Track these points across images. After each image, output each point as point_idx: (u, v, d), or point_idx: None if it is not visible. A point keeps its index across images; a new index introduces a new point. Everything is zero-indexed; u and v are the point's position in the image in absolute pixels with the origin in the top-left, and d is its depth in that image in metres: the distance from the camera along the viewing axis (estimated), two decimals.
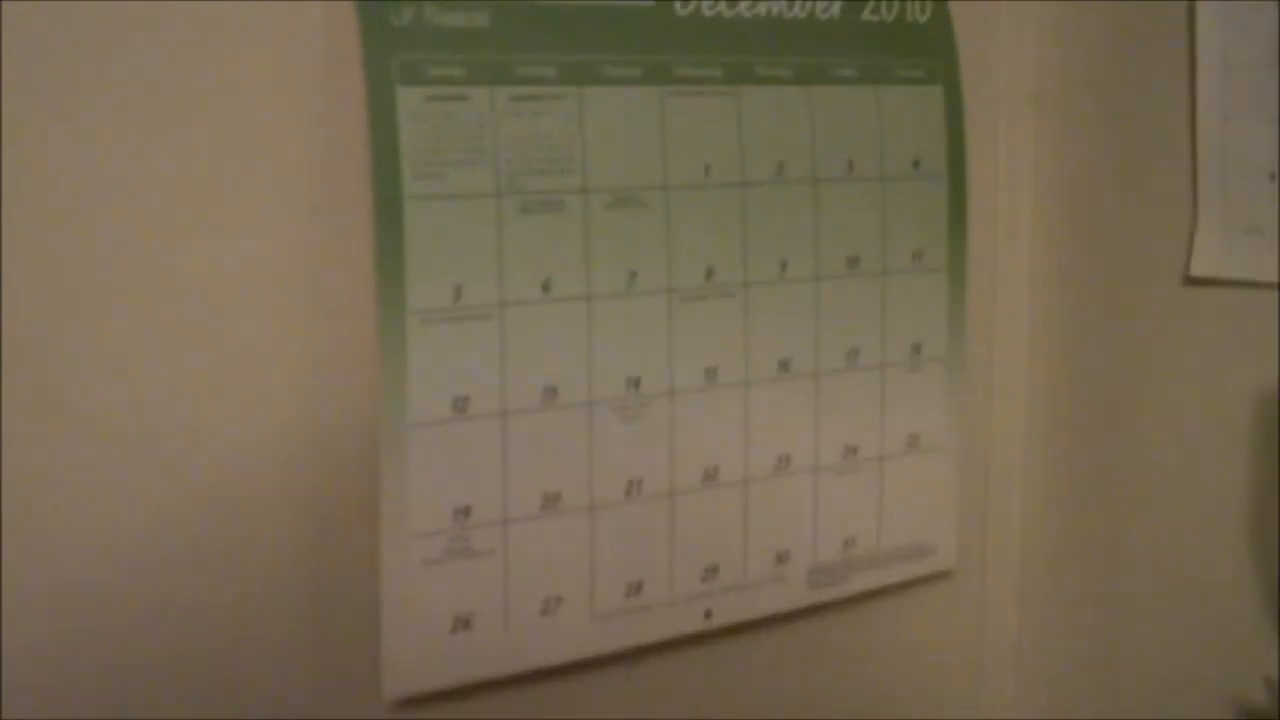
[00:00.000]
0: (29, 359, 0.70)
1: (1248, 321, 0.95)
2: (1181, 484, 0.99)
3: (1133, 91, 1.00)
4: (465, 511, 0.80)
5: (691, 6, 0.86)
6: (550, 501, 0.83)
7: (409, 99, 0.77)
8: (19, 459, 0.71)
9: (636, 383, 0.85)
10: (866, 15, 0.94)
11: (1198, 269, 0.96)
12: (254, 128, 0.75)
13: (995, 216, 1.03)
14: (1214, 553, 0.97)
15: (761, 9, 0.89)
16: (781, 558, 0.93)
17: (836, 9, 0.92)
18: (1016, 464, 1.08)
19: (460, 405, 0.79)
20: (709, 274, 0.88)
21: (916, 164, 0.96)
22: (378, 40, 0.76)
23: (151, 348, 0.74)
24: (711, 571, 0.90)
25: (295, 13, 0.76)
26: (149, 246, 0.73)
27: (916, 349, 0.97)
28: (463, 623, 0.80)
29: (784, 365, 0.91)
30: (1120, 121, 1.01)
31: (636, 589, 0.87)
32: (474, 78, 0.79)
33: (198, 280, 0.75)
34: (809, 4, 0.91)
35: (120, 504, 0.73)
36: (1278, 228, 0.93)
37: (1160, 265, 0.99)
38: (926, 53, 0.96)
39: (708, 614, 0.90)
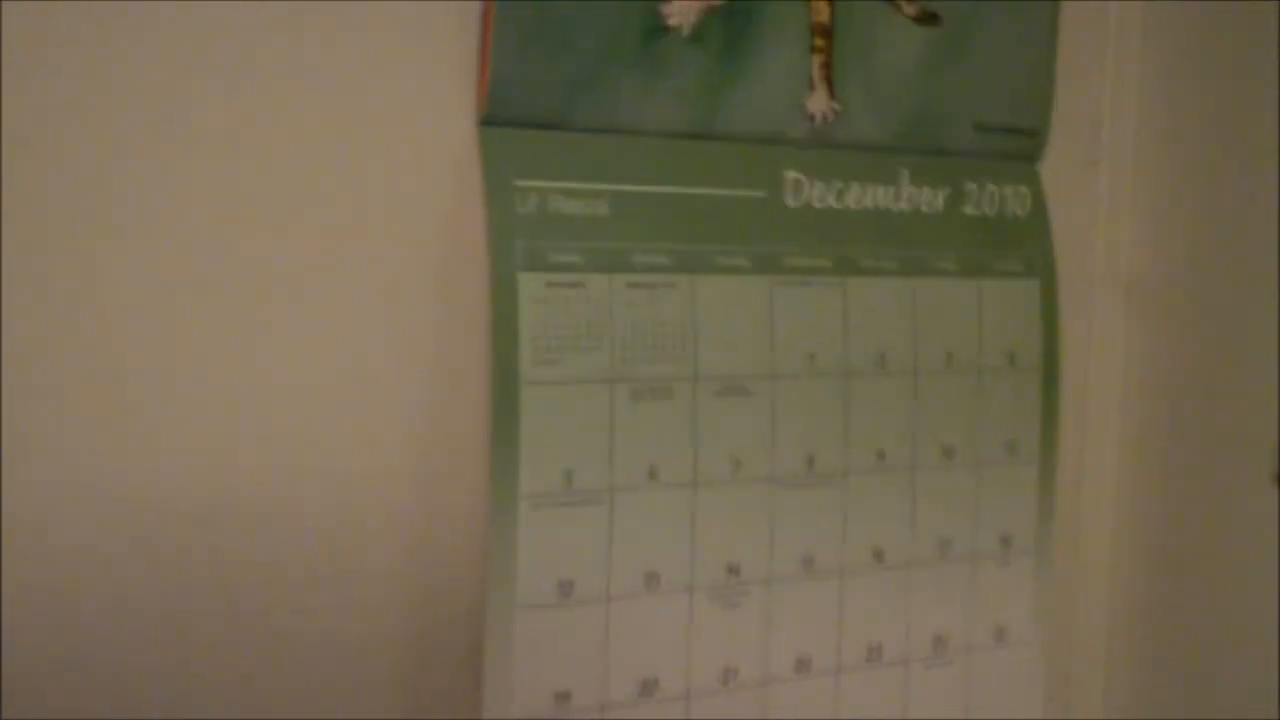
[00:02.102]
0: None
1: None
2: (1262, 682, 0.98)
3: (1226, 285, 1.00)
4: (566, 696, 0.80)
5: (802, 198, 0.88)
6: (648, 689, 0.83)
7: (530, 284, 0.78)
8: None
9: (736, 570, 0.85)
10: (968, 209, 0.95)
11: None
12: (381, 301, 0.76)
13: (1085, 409, 1.04)
14: None
15: (868, 201, 0.91)
16: None
17: (940, 202, 0.94)
18: (1099, 658, 1.07)
19: (565, 589, 0.79)
20: (809, 463, 0.88)
21: (1012, 357, 0.97)
22: (503, 226, 0.77)
23: (267, 518, 0.74)
24: None
25: (423, 198, 0.77)
26: (273, 433, 0.74)
27: (1006, 541, 0.97)
28: None
29: (878, 555, 0.91)
30: (1213, 315, 1.01)
31: None
32: (592, 265, 0.80)
33: (314, 456, 0.75)
34: (914, 197, 0.92)
35: (231, 637, 0.73)
36: None
37: (1250, 462, 0.99)
38: (1024, 246, 0.98)
39: None
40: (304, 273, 0.74)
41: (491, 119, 0.78)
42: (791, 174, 0.88)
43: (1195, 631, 1.02)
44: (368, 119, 0.75)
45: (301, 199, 0.74)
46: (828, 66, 0.88)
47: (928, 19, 0.92)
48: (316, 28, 0.73)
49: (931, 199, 0.93)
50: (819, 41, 0.87)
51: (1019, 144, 0.98)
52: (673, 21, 0.82)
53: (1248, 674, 1.00)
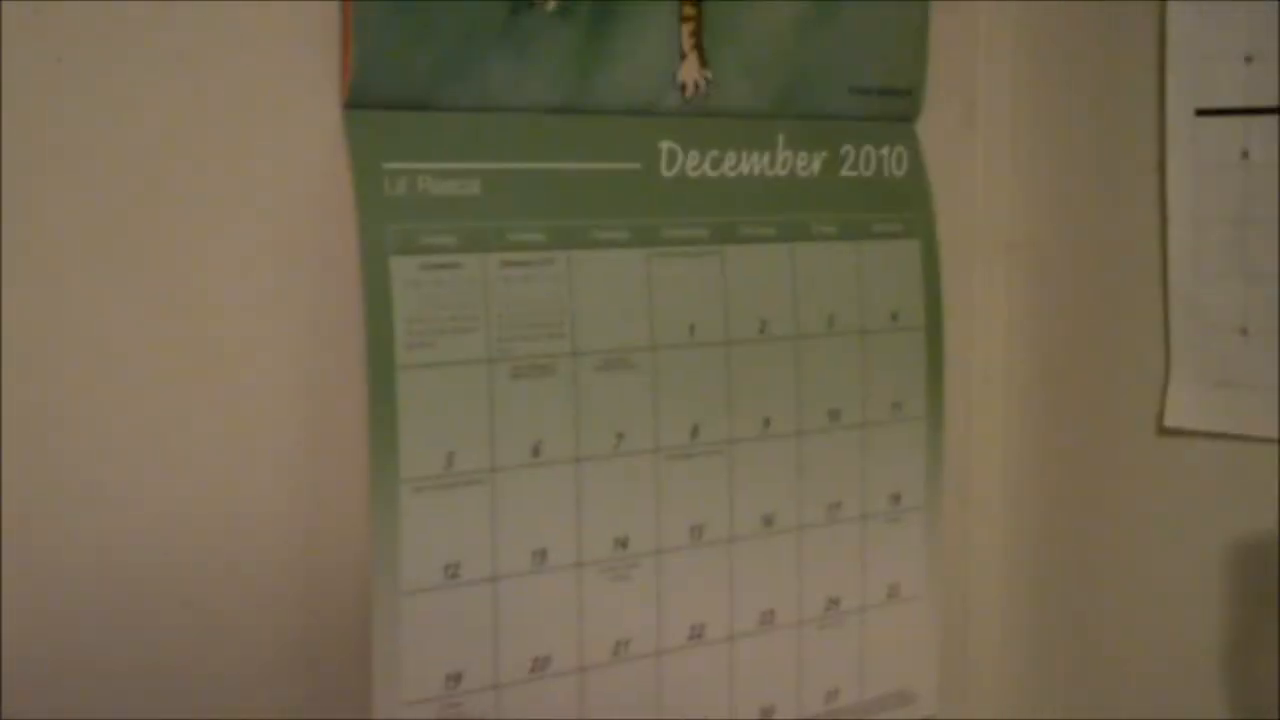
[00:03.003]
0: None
1: (1220, 472, 0.96)
2: (1155, 631, 1.00)
3: (1106, 244, 1.02)
4: (457, 678, 0.80)
5: (677, 168, 0.88)
6: (541, 665, 0.83)
7: (403, 268, 0.78)
8: None
9: (625, 542, 0.86)
10: (845, 171, 0.96)
11: (1171, 420, 0.98)
12: (251, 292, 0.76)
13: (970, 366, 1.05)
14: (1189, 701, 0.98)
15: (744, 169, 0.91)
16: (766, 712, 0.93)
17: (817, 166, 0.94)
18: (993, 610, 1.08)
19: (452, 571, 0.79)
20: (694, 432, 0.88)
21: (895, 316, 0.98)
22: (372, 209, 0.77)
23: (144, 506, 0.73)
24: None
25: (290, 182, 0.76)
26: (142, 411, 0.73)
27: (896, 499, 0.98)
28: None
29: (767, 520, 0.92)
30: (1094, 273, 1.03)
31: None
32: (466, 245, 0.80)
33: (188, 450, 0.74)
34: (790, 162, 0.93)
35: (119, 637, 0.73)
36: (1248, 381, 0.94)
37: (1134, 415, 1.00)
38: (904, 207, 0.98)
39: None
40: (170, 262, 0.73)
41: (357, 102, 0.77)
42: (666, 145, 0.88)
43: (1086, 580, 1.04)
44: (232, 106, 0.74)
45: (166, 188, 0.73)
46: (698, 35, 0.88)
47: None
48: (178, 14, 0.72)
49: (808, 163, 0.94)
50: (688, 10, 0.87)
51: (895, 105, 0.98)
52: None
53: (1138, 620, 1.02)
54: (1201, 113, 0.96)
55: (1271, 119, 0.93)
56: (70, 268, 0.71)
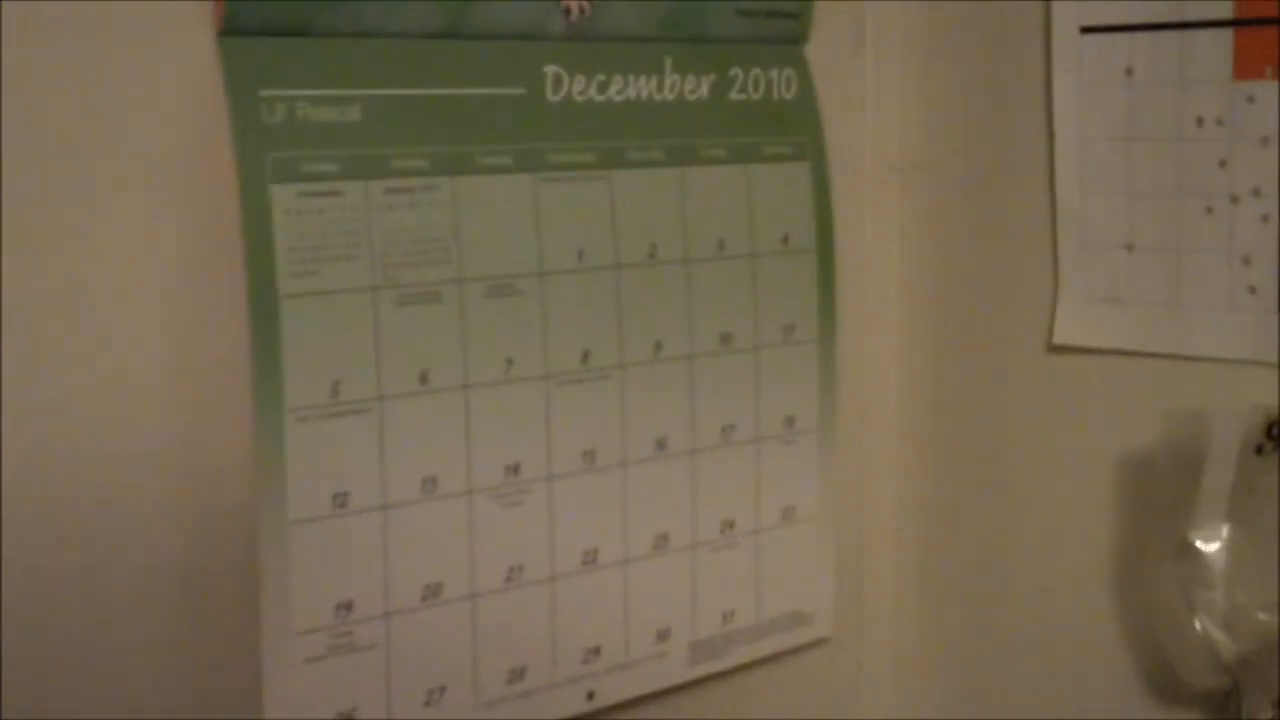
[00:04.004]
0: None
1: (1108, 387, 0.98)
2: (1049, 546, 1.02)
3: (995, 164, 1.03)
4: (347, 607, 0.80)
5: (563, 93, 0.87)
6: (432, 592, 0.83)
7: (283, 196, 0.77)
8: None
9: (516, 469, 0.86)
10: (734, 95, 0.95)
11: (1060, 338, 0.99)
12: (125, 227, 0.75)
13: (863, 289, 1.05)
14: (1083, 614, 1.00)
15: (631, 93, 0.90)
16: (662, 635, 0.93)
17: (705, 90, 0.94)
18: (888, 531, 1.10)
19: (340, 501, 0.79)
20: (585, 358, 0.88)
21: (785, 240, 0.98)
22: (250, 137, 0.76)
23: (18, 442, 0.72)
24: (593, 653, 0.90)
25: (164, 109, 0.75)
26: (14, 347, 0.72)
27: (790, 422, 0.99)
28: (346, 719, 0.80)
29: (661, 444, 0.92)
30: (983, 193, 1.03)
31: (520, 674, 0.87)
32: (347, 172, 0.79)
33: (67, 380, 0.73)
34: (677, 86, 0.92)
35: None
36: (1134, 297, 0.95)
37: (1025, 334, 1.02)
38: (793, 130, 0.98)
39: (590, 695, 0.91)
40: (41, 197, 0.72)
41: (230, 29, 0.76)
42: (551, 69, 0.87)
43: (979, 498, 1.05)
44: (100, 35, 0.73)
45: (35, 123, 0.71)
46: None
47: None
48: None
49: (696, 86, 0.94)
50: None
51: (783, 27, 0.98)
52: None
53: (1031, 536, 1.03)
54: (1086, 30, 0.96)
55: (1154, 35, 0.94)
56: None
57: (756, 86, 0.96)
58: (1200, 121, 0.93)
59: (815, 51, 0.99)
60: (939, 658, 1.09)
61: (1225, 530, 0.88)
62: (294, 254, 0.77)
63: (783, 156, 0.98)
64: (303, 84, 0.78)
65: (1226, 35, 0.91)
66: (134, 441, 0.76)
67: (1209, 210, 0.93)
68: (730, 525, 0.96)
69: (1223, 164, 0.92)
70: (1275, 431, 0.88)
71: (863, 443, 1.07)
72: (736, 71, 0.95)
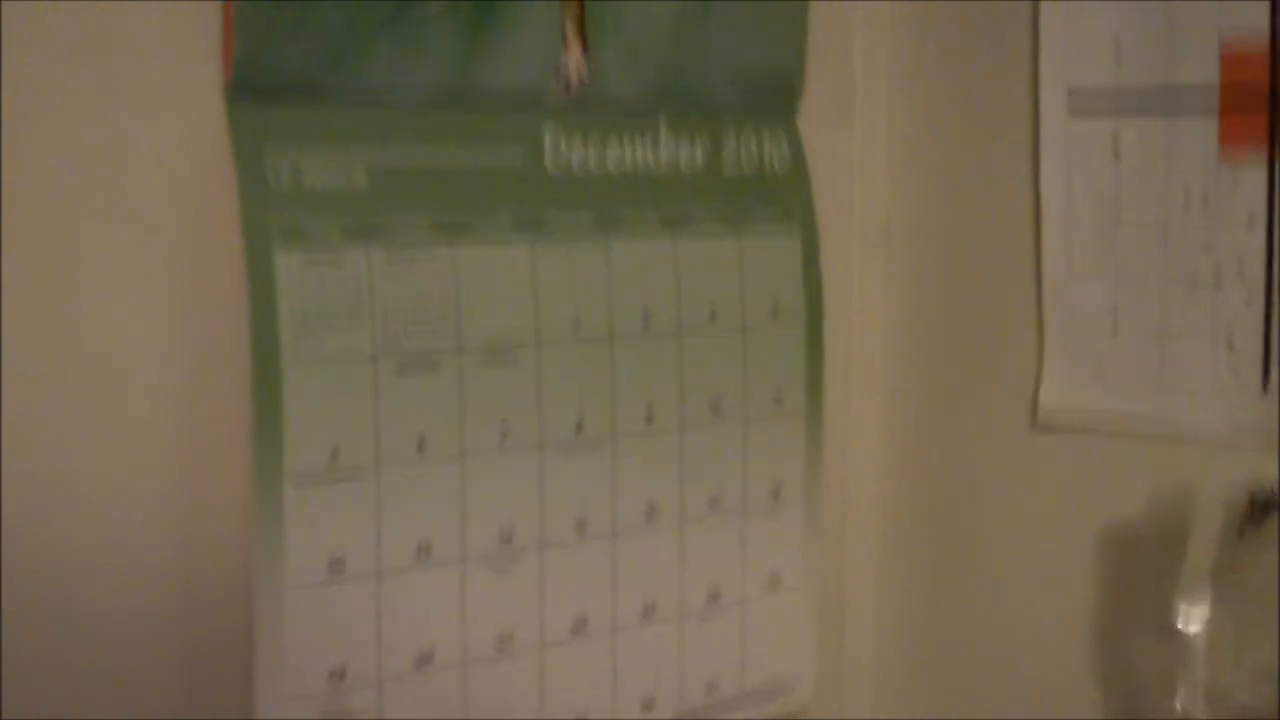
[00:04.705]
0: None
1: (1090, 465, 0.99)
2: (1029, 621, 1.03)
3: (981, 237, 1.04)
4: (341, 674, 0.79)
5: (561, 161, 0.88)
6: (424, 660, 0.82)
7: (287, 261, 0.77)
8: None
9: (509, 537, 0.86)
10: (727, 162, 0.96)
11: (1045, 414, 1.00)
12: (126, 290, 0.74)
13: (848, 358, 1.06)
14: (1063, 690, 1.01)
15: (627, 161, 0.91)
16: (648, 705, 0.93)
17: (699, 157, 0.95)
18: (869, 602, 1.10)
19: (336, 567, 0.79)
20: (578, 426, 0.89)
21: (775, 310, 0.99)
22: (256, 201, 0.76)
23: (18, 506, 0.72)
24: None
25: (169, 171, 0.75)
26: (15, 409, 0.71)
27: (776, 491, 0.99)
28: None
29: (650, 514, 0.92)
30: (969, 268, 1.05)
31: None
32: (351, 238, 0.79)
33: (65, 445, 0.73)
34: (672, 153, 0.93)
35: None
36: (1118, 377, 0.97)
37: (1009, 409, 1.03)
38: (784, 198, 0.99)
39: None
40: (48, 257, 0.72)
41: (239, 92, 0.76)
42: (550, 136, 0.88)
43: (961, 570, 1.06)
44: (110, 98, 0.73)
45: (44, 183, 0.71)
46: (581, 24, 0.88)
47: None
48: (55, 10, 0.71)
49: (691, 155, 0.94)
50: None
51: (775, 96, 0.99)
52: None
53: (1011, 610, 1.04)
54: (1073, 108, 0.97)
55: (1139, 119, 0.95)
56: None
57: (749, 154, 0.97)
58: (1186, 205, 0.94)
59: (804, 120, 1.00)
60: None
61: (1208, 610, 0.89)
62: (297, 319, 0.77)
63: (774, 226, 0.99)
64: (309, 148, 0.78)
65: (1213, 118, 0.93)
66: (131, 503, 0.75)
67: (1194, 288, 0.94)
68: (716, 595, 0.96)
69: (1207, 248, 0.93)
70: (1256, 512, 0.89)
71: (846, 513, 1.07)
72: (729, 139, 0.96)
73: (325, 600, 0.78)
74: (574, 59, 0.88)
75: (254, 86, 0.76)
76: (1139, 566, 0.95)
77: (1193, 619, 0.89)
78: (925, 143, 1.06)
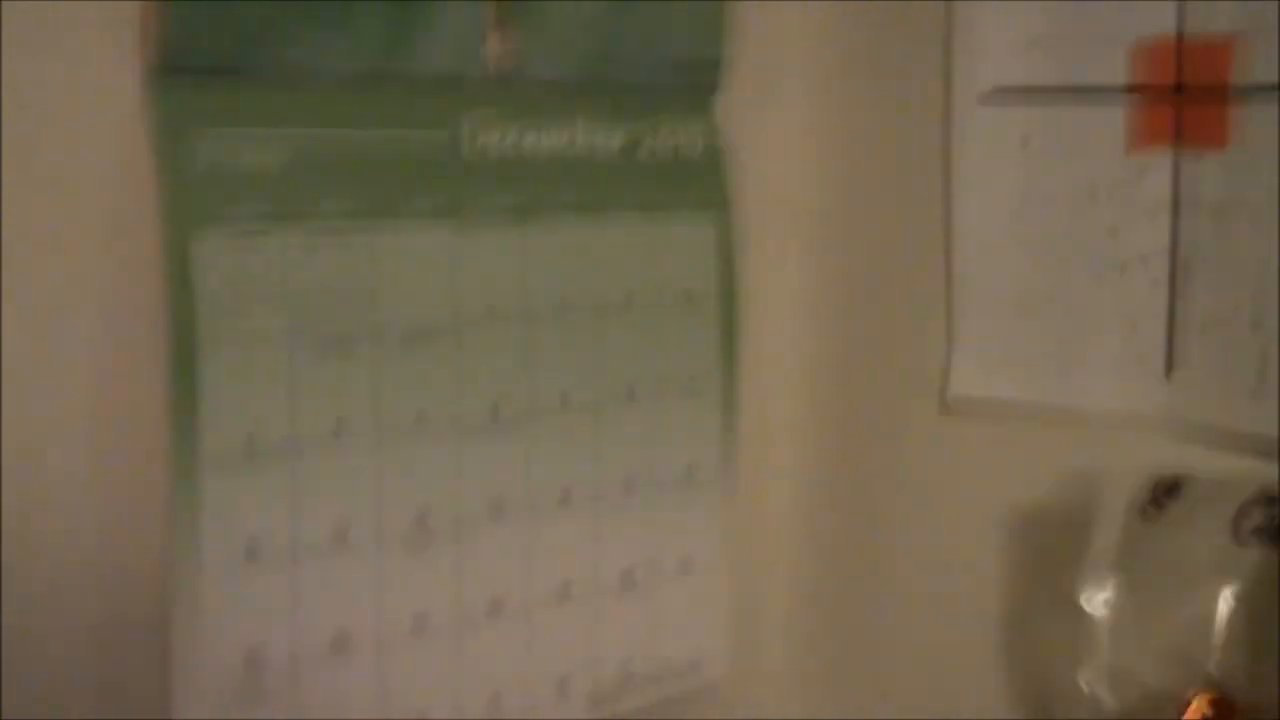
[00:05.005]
0: None
1: (1000, 444, 1.00)
2: (938, 601, 1.04)
3: (893, 222, 1.05)
4: (257, 657, 0.79)
5: (480, 144, 0.88)
6: (340, 643, 0.83)
7: (205, 243, 0.76)
8: None
9: (424, 518, 0.86)
10: (646, 147, 0.97)
11: (955, 395, 1.01)
12: (41, 274, 0.73)
13: (762, 341, 1.07)
14: (971, 669, 1.02)
15: (547, 145, 0.91)
16: (562, 684, 0.94)
17: (617, 142, 0.95)
18: (780, 581, 1.11)
19: (252, 550, 0.79)
20: (495, 408, 0.89)
21: (690, 294, 0.99)
22: (174, 181, 0.75)
23: None
24: (495, 701, 0.90)
25: (88, 149, 0.74)
26: None
27: (690, 471, 1.00)
28: None
29: (565, 494, 0.93)
30: (881, 252, 1.06)
31: None
32: (270, 218, 0.79)
33: None
34: (592, 139, 0.93)
35: None
36: (1026, 357, 0.98)
37: (918, 391, 1.04)
38: (702, 183, 1.00)
39: None
40: None
41: (161, 68, 0.75)
42: (470, 118, 0.88)
43: (873, 551, 1.08)
44: (31, 82, 0.72)
45: None
46: (505, 6, 0.88)
47: None
48: None
49: (609, 141, 0.95)
50: None
51: (697, 79, 1.00)
52: None
53: (923, 591, 1.05)
54: (985, 99, 0.99)
55: (1049, 108, 0.97)
56: None
57: (668, 139, 0.98)
58: (1093, 191, 0.95)
59: (724, 108, 1.00)
60: (827, 709, 1.10)
61: (1111, 591, 0.91)
62: (214, 302, 0.76)
63: (690, 212, 0.99)
64: (229, 130, 0.77)
65: (1119, 110, 0.94)
66: (47, 491, 0.74)
67: (1100, 276, 0.96)
68: (630, 575, 0.97)
69: (1113, 232, 0.95)
70: (1160, 495, 0.91)
71: (760, 494, 1.08)
72: (649, 124, 0.97)
73: (241, 584, 0.78)
74: (495, 45, 0.88)
75: (175, 66, 0.75)
76: (1045, 548, 0.97)
77: (1097, 600, 0.91)
78: (841, 131, 1.07)
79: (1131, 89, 0.93)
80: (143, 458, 0.76)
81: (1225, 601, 0.88)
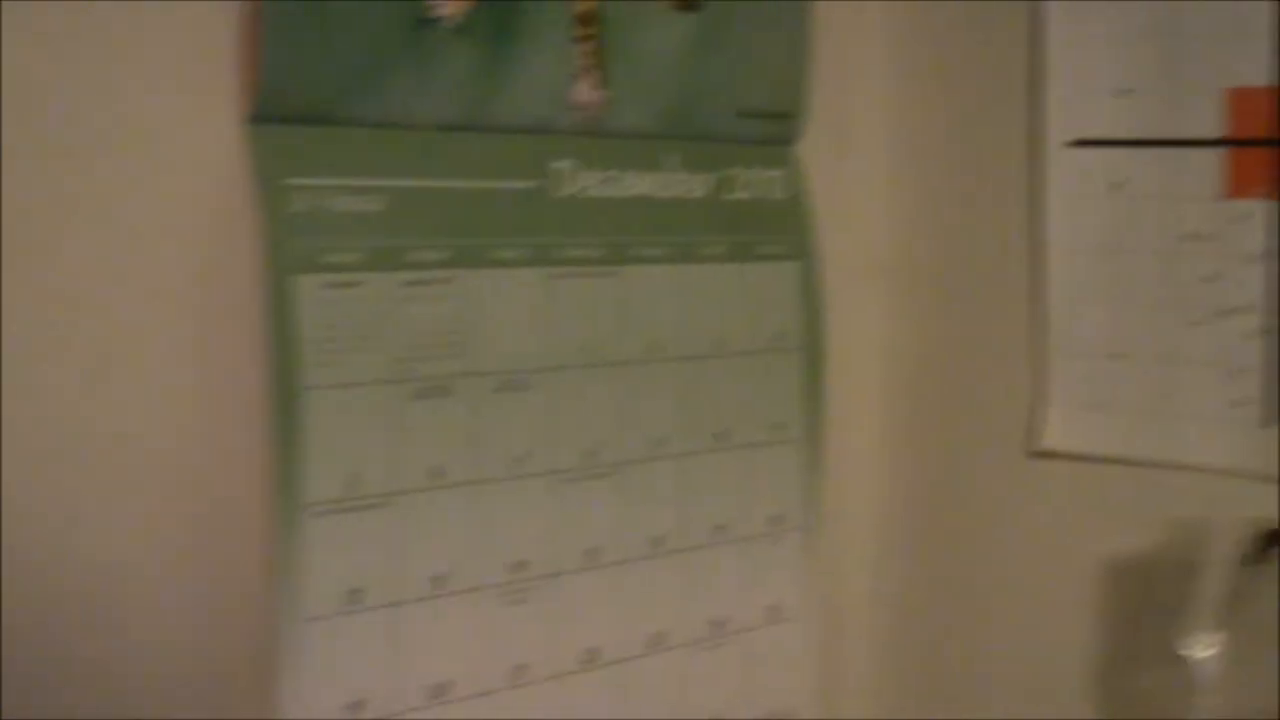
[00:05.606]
0: None
1: (1088, 494, 0.99)
2: (1027, 651, 1.03)
3: (975, 269, 1.04)
4: (358, 705, 0.78)
5: (572, 189, 0.87)
6: (439, 691, 0.81)
7: (307, 286, 0.76)
8: None
9: (522, 566, 0.85)
10: (731, 193, 0.96)
11: (1046, 443, 1.00)
12: (142, 318, 0.73)
13: (844, 387, 1.05)
14: None
15: (636, 190, 0.91)
16: None
17: (704, 188, 0.94)
18: (863, 631, 1.10)
19: (354, 597, 0.78)
20: (589, 454, 0.88)
21: (777, 338, 0.98)
22: (275, 227, 0.75)
23: (33, 540, 0.70)
24: None
25: (186, 197, 0.74)
26: (29, 424, 0.70)
27: (777, 520, 0.99)
28: None
29: (657, 543, 0.92)
30: (964, 297, 1.05)
31: None
32: (369, 263, 0.78)
33: (80, 474, 0.72)
34: (680, 185, 0.93)
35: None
36: (1120, 405, 0.97)
37: (1003, 438, 1.03)
38: (786, 229, 0.99)
39: None
40: (67, 288, 0.70)
41: (259, 116, 0.75)
42: (560, 164, 0.87)
43: (956, 602, 1.06)
44: (127, 125, 0.72)
45: (64, 212, 0.70)
46: (593, 55, 0.88)
47: (688, 5, 0.92)
48: (63, 34, 0.69)
49: (693, 186, 0.94)
50: (583, 30, 0.87)
51: (778, 128, 0.99)
52: (440, 13, 0.80)
53: (1007, 641, 1.04)
54: (1074, 144, 0.98)
55: (1141, 152, 0.96)
56: None
57: (752, 186, 0.97)
58: (1190, 237, 0.94)
59: (803, 152, 1.00)
60: None
61: (1215, 641, 0.89)
62: (316, 345, 0.76)
63: (776, 256, 0.98)
64: (329, 174, 0.77)
65: (1218, 154, 0.93)
66: (147, 536, 0.74)
67: (1197, 324, 0.94)
68: (720, 625, 0.96)
69: (1211, 279, 0.94)
70: (1265, 545, 0.90)
71: (841, 542, 1.07)
72: (734, 171, 0.96)
73: (343, 631, 0.77)
74: (585, 88, 0.87)
75: (275, 110, 0.75)
76: (1141, 598, 0.95)
77: (1203, 648, 0.89)
78: (923, 173, 1.06)
79: (1226, 141, 0.92)
80: (243, 503, 0.75)
81: None
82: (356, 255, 0.78)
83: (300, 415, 0.75)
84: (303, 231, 0.76)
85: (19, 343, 0.69)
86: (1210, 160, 0.94)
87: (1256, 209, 0.92)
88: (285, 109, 0.76)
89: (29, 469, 0.70)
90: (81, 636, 0.72)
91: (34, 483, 0.70)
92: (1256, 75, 0.92)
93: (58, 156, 0.70)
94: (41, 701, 0.71)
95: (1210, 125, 0.94)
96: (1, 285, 0.68)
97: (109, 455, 0.73)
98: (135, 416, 0.73)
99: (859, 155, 1.07)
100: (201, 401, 0.75)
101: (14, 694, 0.69)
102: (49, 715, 0.71)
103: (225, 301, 0.75)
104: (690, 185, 0.94)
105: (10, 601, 0.69)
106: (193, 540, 0.75)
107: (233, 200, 0.75)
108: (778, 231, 0.99)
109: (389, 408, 0.79)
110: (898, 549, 1.09)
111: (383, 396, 0.79)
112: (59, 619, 0.71)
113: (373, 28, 0.78)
